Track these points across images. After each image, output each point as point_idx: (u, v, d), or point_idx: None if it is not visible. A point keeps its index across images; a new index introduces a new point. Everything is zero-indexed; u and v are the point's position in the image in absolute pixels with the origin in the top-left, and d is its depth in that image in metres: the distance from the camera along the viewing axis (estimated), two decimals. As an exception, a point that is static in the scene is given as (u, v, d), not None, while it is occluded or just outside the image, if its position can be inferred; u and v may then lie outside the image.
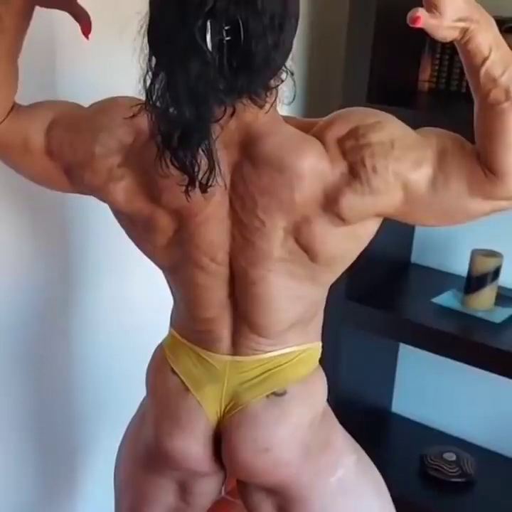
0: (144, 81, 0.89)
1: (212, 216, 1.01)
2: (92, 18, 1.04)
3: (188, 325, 1.14)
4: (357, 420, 1.96)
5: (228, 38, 0.83)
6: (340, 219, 0.99)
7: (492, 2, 1.66)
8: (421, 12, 0.89)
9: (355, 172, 0.96)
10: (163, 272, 1.14)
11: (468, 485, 1.96)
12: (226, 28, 0.83)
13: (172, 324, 1.19)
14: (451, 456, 1.99)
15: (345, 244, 1.03)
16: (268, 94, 0.92)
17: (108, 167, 1.02)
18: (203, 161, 0.91)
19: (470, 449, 2.06)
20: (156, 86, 0.88)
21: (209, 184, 0.92)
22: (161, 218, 1.03)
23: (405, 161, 0.96)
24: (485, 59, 0.92)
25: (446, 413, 2.17)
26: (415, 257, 2.12)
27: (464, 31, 0.91)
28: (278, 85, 0.93)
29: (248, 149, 0.97)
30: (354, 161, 0.96)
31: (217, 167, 0.92)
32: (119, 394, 1.68)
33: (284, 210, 0.98)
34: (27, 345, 1.50)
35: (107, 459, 1.32)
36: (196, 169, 0.91)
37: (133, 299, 1.69)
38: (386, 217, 1.03)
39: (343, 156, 0.96)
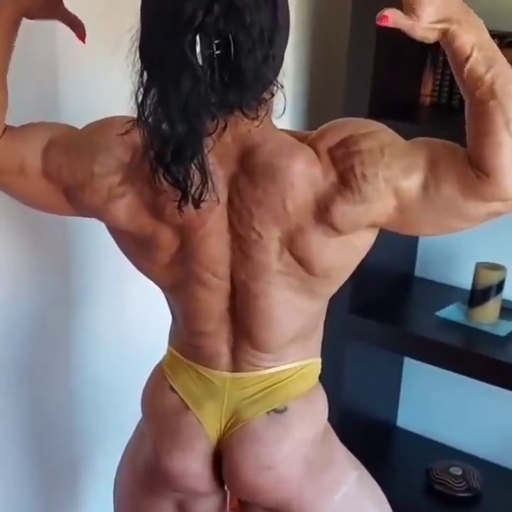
0: (136, 97, 0.89)
1: (214, 231, 1.01)
2: (95, 31, 1.05)
3: (187, 341, 1.13)
4: (362, 434, 1.95)
5: (218, 52, 0.84)
6: (334, 229, 0.98)
7: (492, 17, 1.67)
8: (389, 12, 0.90)
9: (345, 180, 0.96)
10: (163, 290, 1.14)
11: (475, 499, 1.94)
12: (216, 42, 0.84)
13: (170, 342, 1.19)
14: (457, 471, 1.98)
15: (341, 255, 1.03)
16: (260, 107, 0.92)
17: (108, 186, 1.02)
18: (196, 176, 0.91)
19: (476, 463, 2.05)
20: (148, 102, 0.88)
21: (202, 199, 0.93)
22: (164, 234, 1.03)
23: (395, 168, 0.96)
24: (468, 57, 0.92)
25: (451, 427, 2.15)
26: (419, 271, 2.11)
27: (445, 32, 0.91)
28: (270, 98, 0.94)
29: (244, 161, 0.98)
30: (344, 169, 0.96)
31: (210, 181, 0.92)
32: (119, 409, 1.68)
33: (278, 221, 0.98)
34: (26, 359, 1.50)
35: (108, 477, 1.31)
36: (189, 184, 0.91)
37: (132, 313, 1.69)
38: (382, 227, 1.02)
39: (334, 165, 0.97)
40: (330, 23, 1.94)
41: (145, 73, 0.88)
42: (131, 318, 1.69)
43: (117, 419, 1.55)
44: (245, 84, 0.87)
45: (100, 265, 1.58)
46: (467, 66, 0.92)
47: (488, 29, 0.93)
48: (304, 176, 0.96)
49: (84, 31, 1.06)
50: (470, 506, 1.94)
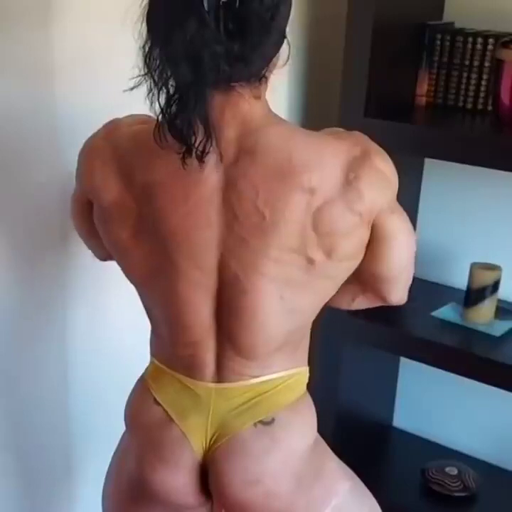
0: (143, 50, 0.90)
1: (200, 213, 0.98)
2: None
3: (170, 351, 1.09)
4: (358, 435, 1.96)
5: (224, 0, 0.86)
6: (359, 196, 0.97)
7: (490, 17, 1.67)
8: None
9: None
10: (141, 288, 1.09)
11: (471, 499, 1.95)
12: None
13: (152, 353, 1.15)
14: (452, 471, 1.98)
15: (354, 242, 1.01)
16: (261, 80, 0.94)
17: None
18: (200, 131, 0.92)
19: (472, 463, 2.05)
20: (154, 54, 0.89)
21: (206, 151, 0.93)
22: (128, 201, 1.03)
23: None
24: None
25: (447, 427, 2.16)
26: (414, 271, 2.11)
27: None
28: (270, 71, 0.96)
29: (246, 142, 0.97)
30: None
31: (213, 134, 0.92)
32: (115, 409, 1.67)
33: (296, 199, 0.96)
34: (20, 358, 1.49)
35: (101, 477, 1.30)
36: (193, 138, 0.92)
37: (130, 316, 1.68)
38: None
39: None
40: (326, 23, 1.94)
41: (152, 24, 0.89)
42: (129, 320, 1.68)
43: (113, 420, 1.55)
44: (249, 35, 0.88)
45: (97, 265, 1.58)
46: None
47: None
48: (331, 156, 0.98)
49: None
50: (466, 506, 1.94)
